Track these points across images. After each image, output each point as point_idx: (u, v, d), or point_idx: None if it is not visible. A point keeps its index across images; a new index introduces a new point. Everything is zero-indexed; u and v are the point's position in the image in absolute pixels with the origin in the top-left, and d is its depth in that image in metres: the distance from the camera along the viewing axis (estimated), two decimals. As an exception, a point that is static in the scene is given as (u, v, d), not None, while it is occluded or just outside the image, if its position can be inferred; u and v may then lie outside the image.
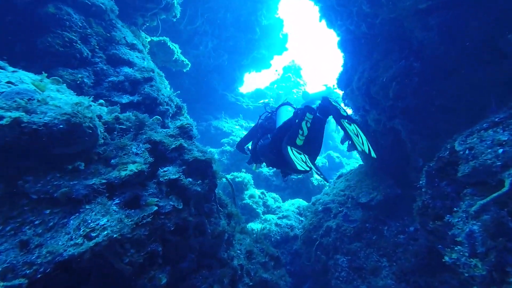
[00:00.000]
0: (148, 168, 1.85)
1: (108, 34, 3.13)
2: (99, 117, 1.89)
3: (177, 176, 1.95)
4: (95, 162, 1.74)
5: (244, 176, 6.16)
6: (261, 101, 8.47)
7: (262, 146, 3.03)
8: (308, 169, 2.30)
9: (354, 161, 10.52)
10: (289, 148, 2.38)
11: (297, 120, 2.59)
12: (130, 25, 4.28)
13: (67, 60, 2.63)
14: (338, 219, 4.59)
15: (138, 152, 1.92)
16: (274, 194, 6.72)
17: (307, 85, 13.36)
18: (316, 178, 7.39)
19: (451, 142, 2.37)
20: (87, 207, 1.53)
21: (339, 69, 5.44)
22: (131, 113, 2.12)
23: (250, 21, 9.52)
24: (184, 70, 5.93)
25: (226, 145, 8.36)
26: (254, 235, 3.08)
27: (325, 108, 2.72)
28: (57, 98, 1.66)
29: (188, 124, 2.37)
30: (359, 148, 2.55)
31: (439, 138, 3.62)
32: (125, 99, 2.97)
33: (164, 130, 2.30)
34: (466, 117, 3.00)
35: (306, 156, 2.46)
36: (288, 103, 3.69)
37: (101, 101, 2.21)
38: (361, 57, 4.12)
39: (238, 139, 4.99)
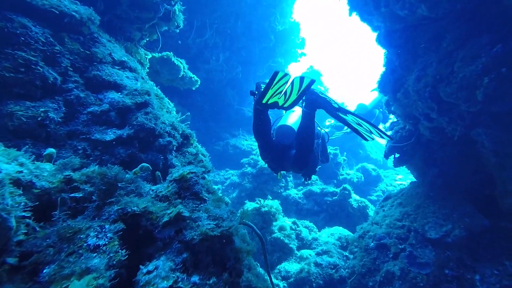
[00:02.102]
0: (115, 278, 0.99)
1: (88, 52, 2.40)
2: (27, 186, 1.06)
3: (170, 283, 1.06)
4: (4, 281, 0.90)
5: (271, 204, 5.22)
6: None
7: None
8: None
9: (392, 172, 9.25)
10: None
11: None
12: (124, 41, 3.60)
13: (23, 89, 1.89)
14: (401, 261, 3.51)
15: (101, 242, 1.06)
16: (307, 222, 5.70)
17: (329, 90, 12.33)
18: (355, 199, 6.30)
19: None
20: None
21: (374, 69, 4.48)
22: (96, 168, 1.29)
23: (263, 28, 8.78)
24: (193, 88, 5.19)
25: (246, 166, 7.49)
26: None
27: (312, 102, 2.70)
28: None
29: (192, 173, 1.51)
30: (368, 138, 2.47)
31: (552, 150, 2.53)
32: (111, 134, 2.18)
33: (154, 188, 1.45)
34: None
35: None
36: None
37: (50, 150, 1.40)
38: (417, 50, 3.14)
39: (260, 158, 4.23)
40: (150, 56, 4.29)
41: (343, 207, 6.25)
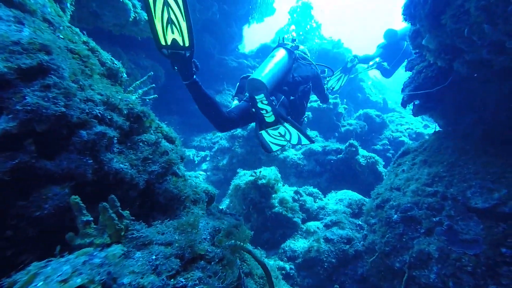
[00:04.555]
0: None
1: None
2: None
3: None
4: None
5: (268, 175, 4.40)
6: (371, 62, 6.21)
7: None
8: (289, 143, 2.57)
9: (396, 115, 8.43)
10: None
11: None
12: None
13: None
14: (438, 238, 2.85)
15: None
16: (311, 188, 5.00)
17: (321, 27, 10.64)
18: (362, 155, 5.54)
19: None
20: None
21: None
22: None
23: None
24: (155, 36, 3.85)
25: (236, 126, 6.49)
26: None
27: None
28: None
29: None
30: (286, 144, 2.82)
31: None
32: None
33: None
34: None
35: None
36: (282, 45, 3.19)
37: None
38: None
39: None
40: (76, -10, 2.90)
41: (349, 166, 5.52)
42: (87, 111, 1.52)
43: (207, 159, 6.68)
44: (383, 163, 5.68)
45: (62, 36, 1.88)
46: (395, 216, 3.32)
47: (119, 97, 1.84)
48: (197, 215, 1.37)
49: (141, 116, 1.87)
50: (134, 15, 3.47)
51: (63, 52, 1.58)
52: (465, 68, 3.09)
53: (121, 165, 1.55)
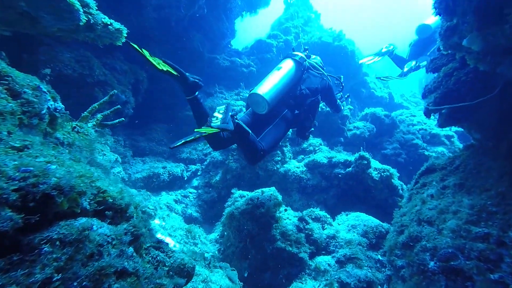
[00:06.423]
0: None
1: None
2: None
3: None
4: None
5: (267, 203, 3.69)
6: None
7: None
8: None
9: (406, 113, 7.64)
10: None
11: None
12: None
13: None
14: (494, 307, 2.15)
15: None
16: (317, 211, 4.29)
17: (320, 17, 9.74)
18: (375, 167, 4.81)
19: None
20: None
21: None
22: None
23: None
24: (119, 43, 3.07)
25: (229, 136, 5.74)
26: None
27: None
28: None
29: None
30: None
31: None
32: None
33: None
34: None
35: None
36: (290, 56, 3.09)
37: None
38: None
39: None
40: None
41: (360, 181, 4.81)
42: None
43: (198, 173, 5.96)
44: (398, 174, 4.97)
45: None
46: (432, 263, 2.60)
47: (15, 163, 1.09)
48: None
49: (52, 196, 1.12)
50: (86, 18, 2.67)
51: None
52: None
53: None
